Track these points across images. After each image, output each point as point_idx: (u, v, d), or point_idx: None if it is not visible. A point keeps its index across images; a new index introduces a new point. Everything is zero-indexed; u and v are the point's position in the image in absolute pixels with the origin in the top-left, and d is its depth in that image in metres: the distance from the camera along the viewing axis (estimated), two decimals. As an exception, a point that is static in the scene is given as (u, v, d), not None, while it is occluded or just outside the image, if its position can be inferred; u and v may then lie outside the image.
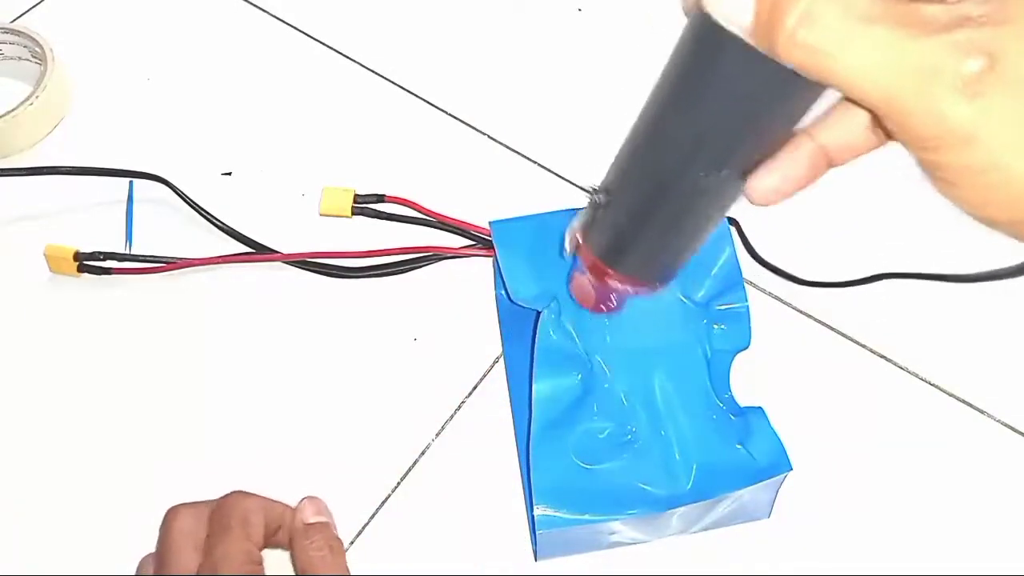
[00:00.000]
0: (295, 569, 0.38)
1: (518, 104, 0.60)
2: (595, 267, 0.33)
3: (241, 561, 0.35)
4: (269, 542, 0.39)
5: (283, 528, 0.39)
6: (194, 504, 0.38)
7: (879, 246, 0.52)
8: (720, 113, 0.26)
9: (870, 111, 0.23)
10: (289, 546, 0.39)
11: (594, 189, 0.32)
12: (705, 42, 0.25)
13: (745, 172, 0.27)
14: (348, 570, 0.38)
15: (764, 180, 0.27)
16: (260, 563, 0.37)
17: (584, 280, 0.34)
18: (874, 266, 0.51)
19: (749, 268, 0.47)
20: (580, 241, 0.33)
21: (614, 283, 0.33)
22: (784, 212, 0.54)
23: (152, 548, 0.43)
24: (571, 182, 0.56)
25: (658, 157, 0.29)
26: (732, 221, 0.51)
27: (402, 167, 0.56)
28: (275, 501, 0.40)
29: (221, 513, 0.37)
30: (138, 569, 0.38)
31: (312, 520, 0.39)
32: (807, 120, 0.27)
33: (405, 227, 0.53)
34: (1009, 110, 0.21)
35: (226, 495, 0.38)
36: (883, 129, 0.25)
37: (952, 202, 0.24)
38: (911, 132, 0.22)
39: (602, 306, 0.35)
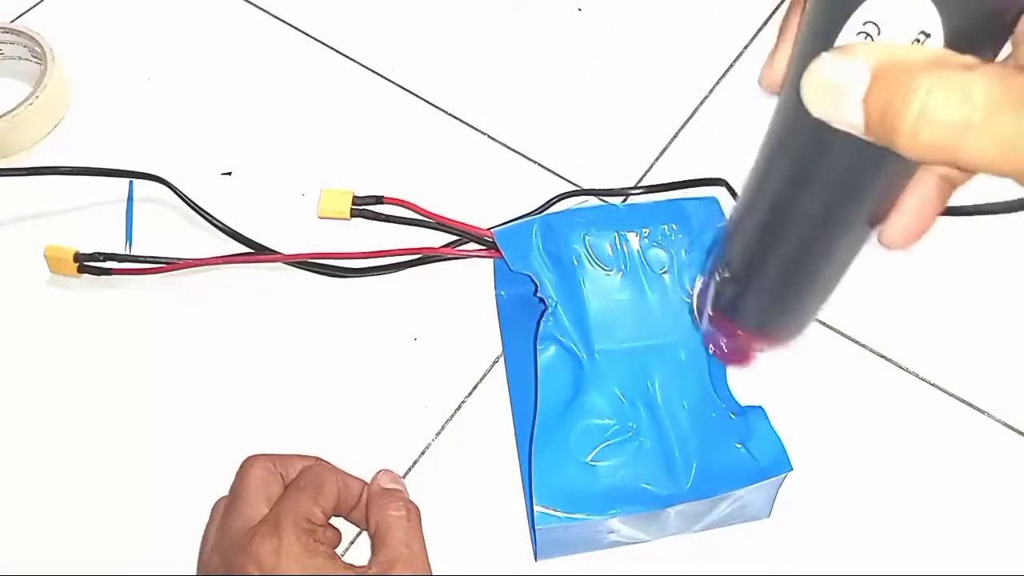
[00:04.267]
0: (371, 531, 0.40)
1: (518, 104, 0.60)
2: (734, 334, 0.34)
3: (301, 518, 0.37)
4: (348, 517, 0.42)
5: (358, 507, 0.41)
6: (270, 456, 0.41)
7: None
8: (843, 186, 0.26)
9: None
10: (366, 510, 0.41)
11: (720, 261, 0.33)
12: (815, 129, 0.24)
13: (875, 223, 0.27)
14: (423, 535, 0.40)
15: (898, 224, 0.26)
16: (321, 528, 0.39)
17: (724, 343, 0.36)
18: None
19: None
20: (712, 313, 0.34)
21: (756, 343, 0.34)
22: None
23: (150, 550, 0.44)
24: (571, 182, 0.56)
25: (787, 235, 0.29)
26: (719, 181, 0.51)
27: (401, 167, 0.56)
28: (355, 478, 0.42)
29: (300, 475, 0.40)
30: (212, 511, 0.41)
31: (389, 486, 0.42)
32: None
33: (404, 228, 0.53)
34: None
35: (309, 465, 0.41)
36: None
37: None
38: None
39: (746, 363, 0.37)
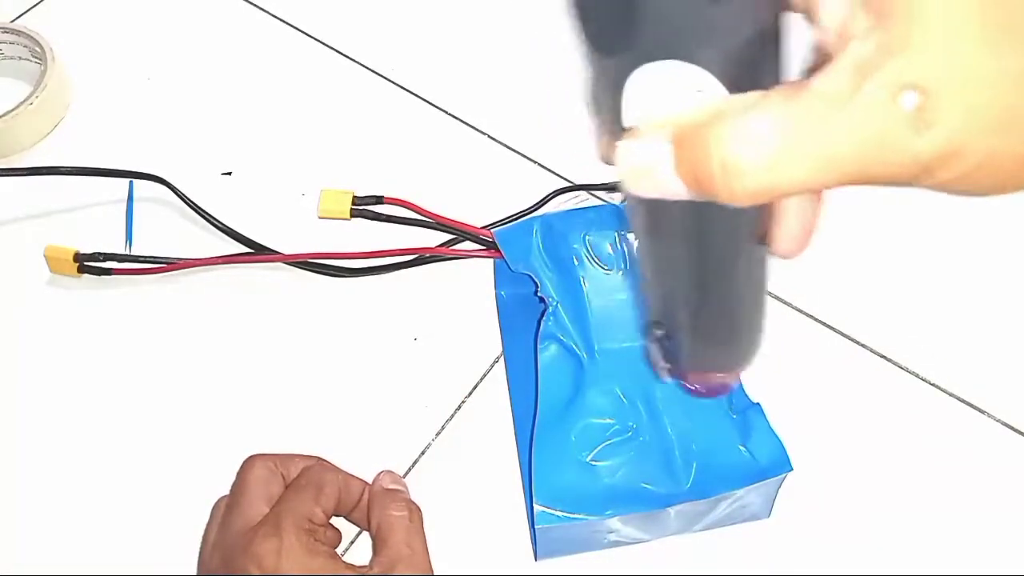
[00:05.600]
0: (372, 531, 0.40)
1: (518, 104, 0.60)
2: (694, 378, 0.36)
3: (302, 518, 0.38)
4: (349, 517, 0.42)
5: (358, 507, 0.41)
6: (271, 455, 0.41)
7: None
8: (708, 235, 0.27)
9: None
10: (368, 510, 0.41)
11: (650, 324, 0.34)
12: (655, 203, 0.24)
13: (761, 242, 0.27)
14: (425, 536, 0.40)
15: (783, 243, 0.25)
16: (322, 528, 0.39)
17: (695, 386, 0.37)
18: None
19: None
20: (669, 369, 0.35)
21: (717, 379, 0.36)
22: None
23: (150, 550, 0.44)
24: (572, 182, 0.56)
25: (688, 287, 0.30)
26: None
27: (401, 167, 0.56)
28: (356, 478, 0.42)
29: (301, 475, 0.40)
30: (212, 510, 0.41)
31: (391, 486, 0.42)
32: None
33: (404, 228, 0.53)
34: (963, 108, 0.19)
35: (310, 464, 0.41)
36: None
37: (970, 197, 0.22)
38: (894, 183, 0.21)
39: (718, 393, 0.38)
